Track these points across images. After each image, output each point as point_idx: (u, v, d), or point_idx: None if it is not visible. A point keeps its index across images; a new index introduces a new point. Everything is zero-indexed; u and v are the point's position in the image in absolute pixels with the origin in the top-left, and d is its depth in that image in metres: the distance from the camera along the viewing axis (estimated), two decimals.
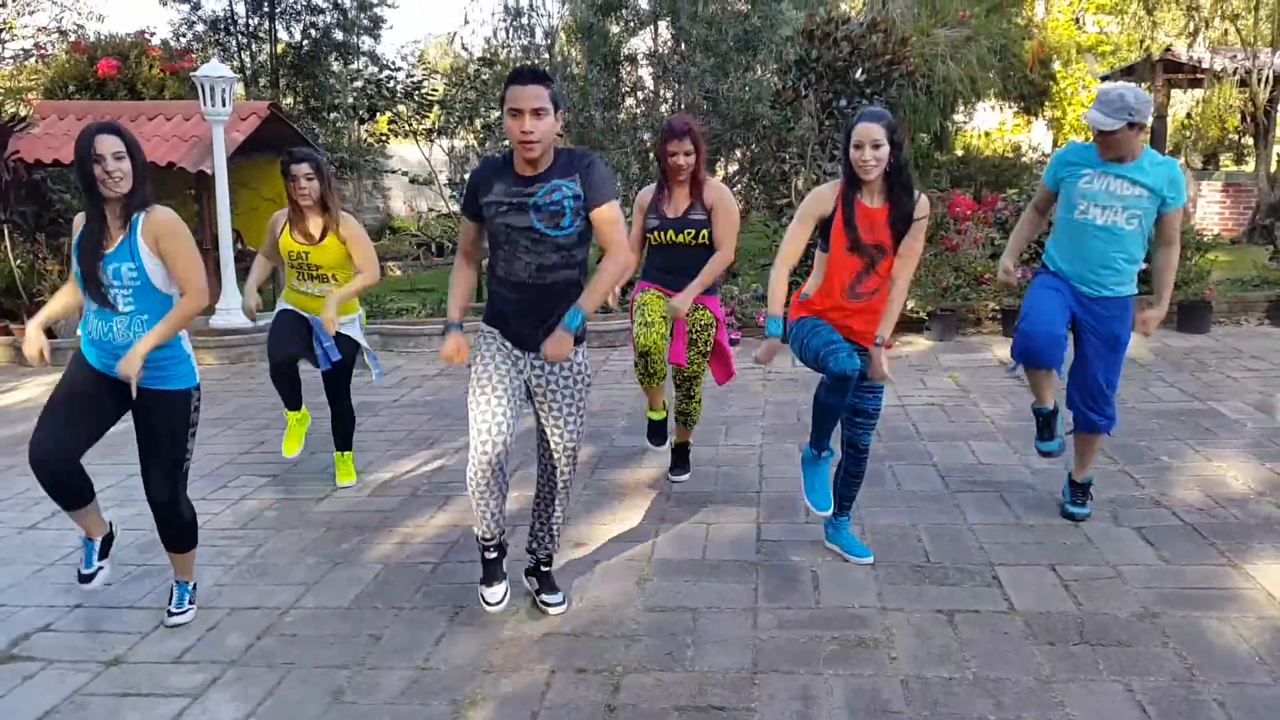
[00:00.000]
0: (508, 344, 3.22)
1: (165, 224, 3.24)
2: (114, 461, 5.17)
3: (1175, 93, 17.02)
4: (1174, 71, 14.67)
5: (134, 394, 3.26)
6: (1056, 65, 16.85)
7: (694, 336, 4.37)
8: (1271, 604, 3.32)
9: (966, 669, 3.00)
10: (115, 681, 3.16)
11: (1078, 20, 20.82)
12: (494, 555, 3.40)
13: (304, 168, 4.45)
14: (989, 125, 20.99)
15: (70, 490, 3.41)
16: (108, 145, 3.16)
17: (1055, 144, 23.00)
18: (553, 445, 3.32)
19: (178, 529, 3.50)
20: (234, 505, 4.77)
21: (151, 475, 3.39)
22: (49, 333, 3.71)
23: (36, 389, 7.65)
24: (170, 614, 3.54)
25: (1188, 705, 2.76)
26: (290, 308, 4.70)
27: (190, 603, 3.59)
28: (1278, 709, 2.73)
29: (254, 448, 5.78)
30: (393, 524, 4.42)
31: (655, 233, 4.35)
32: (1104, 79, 17.62)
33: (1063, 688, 2.87)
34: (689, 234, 4.28)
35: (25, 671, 3.24)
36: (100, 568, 3.65)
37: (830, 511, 3.77)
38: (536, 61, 11.81)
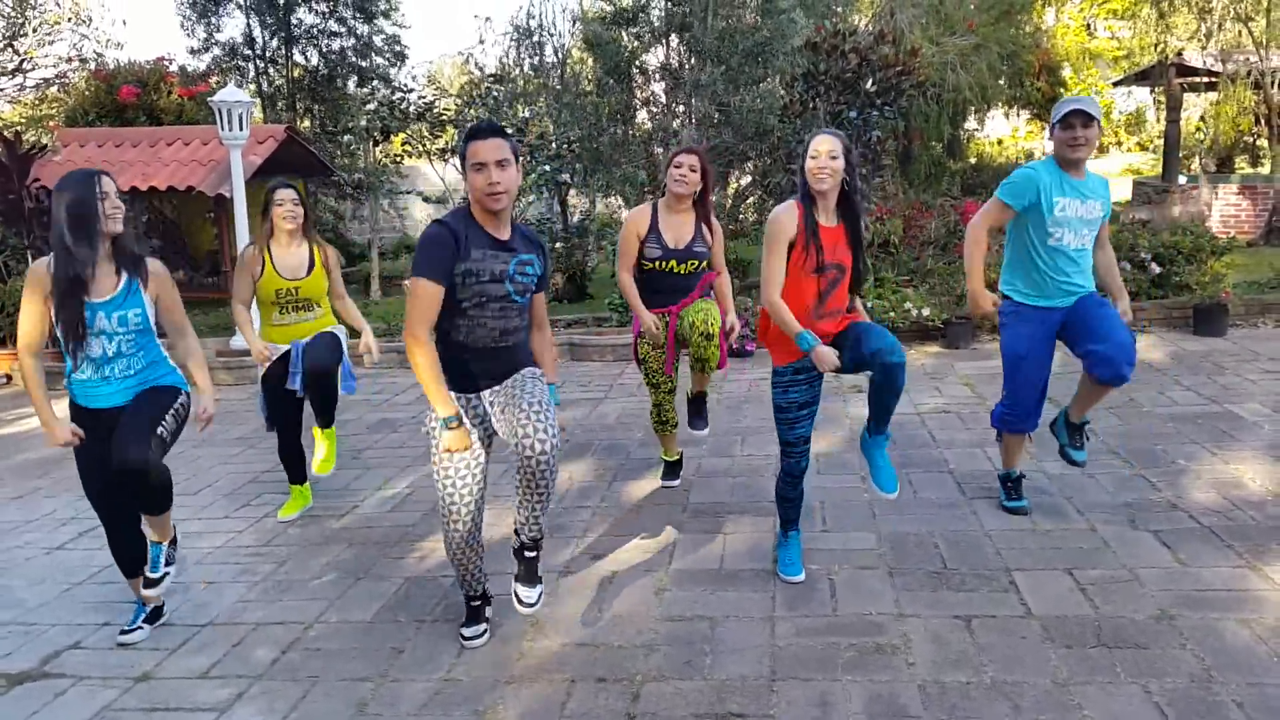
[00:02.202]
0: (465, 400, 3.22)
1: (166, 277, 3.51)
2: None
3: (1189, 96, 16.98)
4: (1187, 75, 14.65)
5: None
6: (1067, 72, 16.85)
7: (704, 304, 4.32)
8: None
9: (984, 673, 3.01)
10: (144, 697, 3.22)
11: (1089, 26, 20.83)
12: (477, 604, 3.47)
13: (290, 194, 4.61)
14: (1002, 133, 21.03)
15: (134, 527, 3.64)
16: (110, 186, 3.33)
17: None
18: (522, 447, 2.98)
19: (148, 493, 3.41)
20: (256, 523, 4.84)
21: (127, 431, 3.30)
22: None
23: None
24: (146, 578, 3.60)
25: (1206, 706, 2.77)
26: (276, 346, 4.67)
27: (167, 564, 3.62)
28: None
29: (274, 466, 5.83)
30: (413, 539, 4.48)
31: (658, 261, 4.33)
32: (1116, 84, 17.61)
33: (1080, 690, 2.88)
34: (692, 264, 4.35)
35: (56, 688, 3.31)
36: (140, 628, 3.68)
37: (801, 577, 3.77)
38: (548, 78, 11.92)
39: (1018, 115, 18.21)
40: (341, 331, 4.86)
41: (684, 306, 4.38)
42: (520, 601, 3.29)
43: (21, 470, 6.03)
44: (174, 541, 3.71)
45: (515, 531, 3.31)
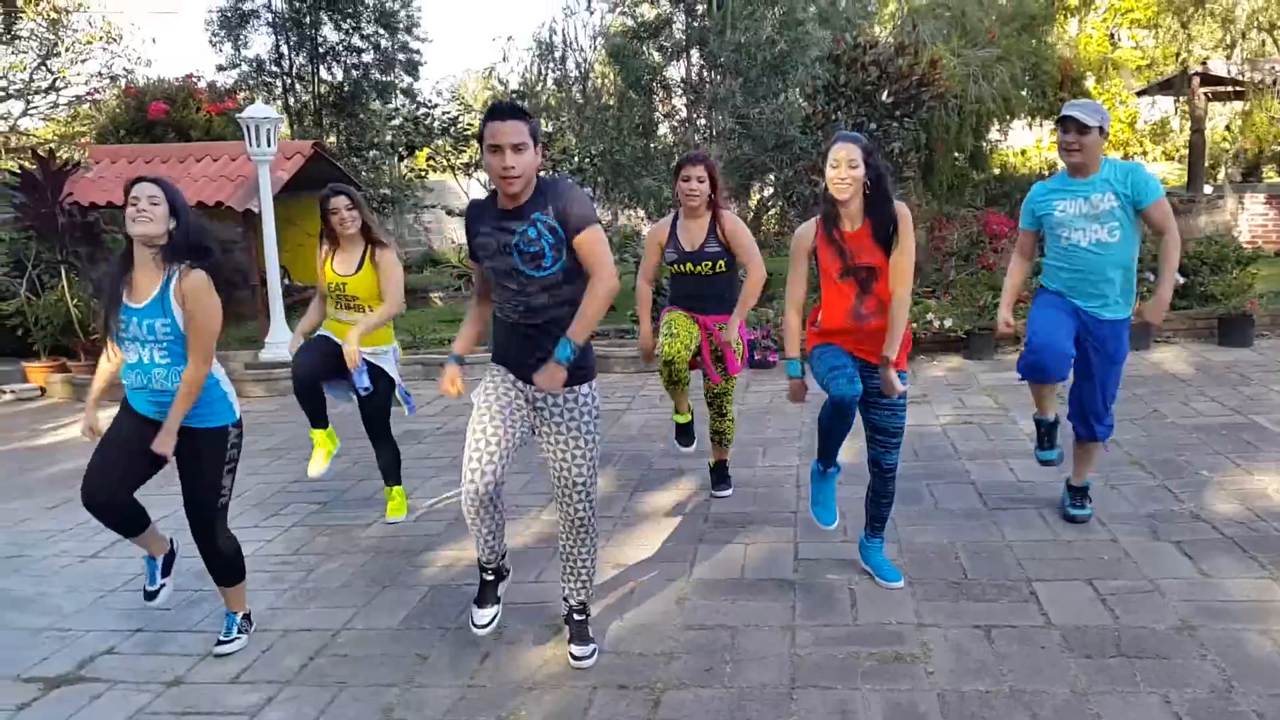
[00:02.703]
0: (511, 378, 3.23)
1: (197, 288, 3.31)
2: (169, 491, 5.34)
3: (1214, 106, 16.88)
4: (1212, 84, 14.56)
5: (167, 460, 3.40)
6: (1090, 82, 16.79)
7: (721, 353, 4.48)
8: None
9: (1003, 682, 3.03)
10: (176, 701, 3.29)
11: (1112, 36, 20.75)
12: (489, 579, 3.44)
13: (342, 200, 4.65)
14: (1025, 143, 20.94)
15: (126, 523, 3.60)
16: (144, 190, 3.32)
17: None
18: (558, 479, 3.20)
19: (218, 562, 3.59)
20: (286, 532, 4.92)
21: (190, 511, 3.52)
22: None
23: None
24: (219, 642, 3.64)
25: (1226, 717, 2.77)
26: (328, 334, 4.82)
27: (240, 632, 3.68)
28: None
29: (303, 477, 5.90)
30: (438, 548, 4.54)
31: (675, 265, 4.51)
32: (1139, 94, 17.53)
33: (1099, 700, 2.90)
34: (706, 265, 4.43)
35: (92, 692, 3.39)
36: (163, 585, 3.78)
37: (833, 525, 3.87)
38: (570, 92, 12.04)
39: (1041, 126, 18.12)
40: (395, 351, 4.92)
41: (716, 320, 4.47)
42: (574, 658, 3.33)
43: (56, 481, 6.15)
44: (248, 616, 3.74)
45: (564, 599, 3.41)
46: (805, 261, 3.58)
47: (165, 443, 3.31)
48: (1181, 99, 16.58)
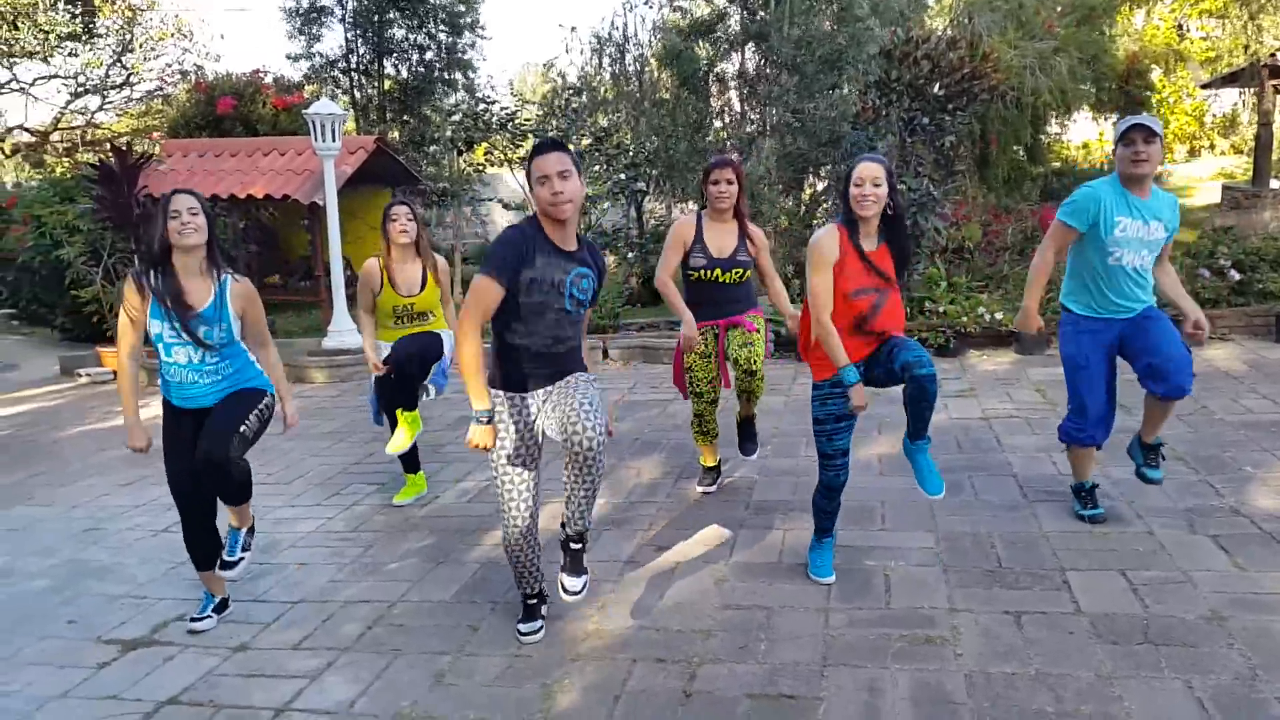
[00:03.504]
0: (522, 400, 3.37)
1: (250, 293, 3.71)
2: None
3: None
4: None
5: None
6: (1156, 75, 16.48)
7: (752, 338, 4.51)
8: None
9: (1029, 665, 3.12)
10: (242, 665, 3.52)
11: (1180, 26, 20.31)
12: (534, 603, 3.63)
13: (404, 209, 4.93)
14: (1087, 136, 20.62)
15: (207, 519, 3.85)
16: (183, 203, 3.52)
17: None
18: (568, 416, 3.18)
19: (229, 485, 3.69)
20: (346, 510, 5.16)
21: (213, 428, 3.57)
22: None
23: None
24: (223, 560, 3.85)
25: (1249, 703, 2.84)
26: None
27: (244, 550, 3.90)
28: None
29: (364, 459, 6.19)
30: (489, 527, 4.73)
31: (703, 270, 4.52)
32: (1205, 87, 17.16)
33: (1123, 684, 2.98)
34: (736, 273, 4.53)
35: (165, 654, 3.63)
36: (242, 558, 3.95)
37: (831, 578, 3.88)
38: (627, 85, 12.18)
39: (1104, 119, 17.84)
40: (449, 335, 5.12)
41: (731, 323, 4.58)
42: (565, 589, 3.48)
43: (130, 459, 6.46)
44: (251, 530, 3.97)
45: (562, 525, 3.50)
46: (829, 271, 3.55)
47: (292, 411, 3.87)
48: (1249, 91, 16.21)
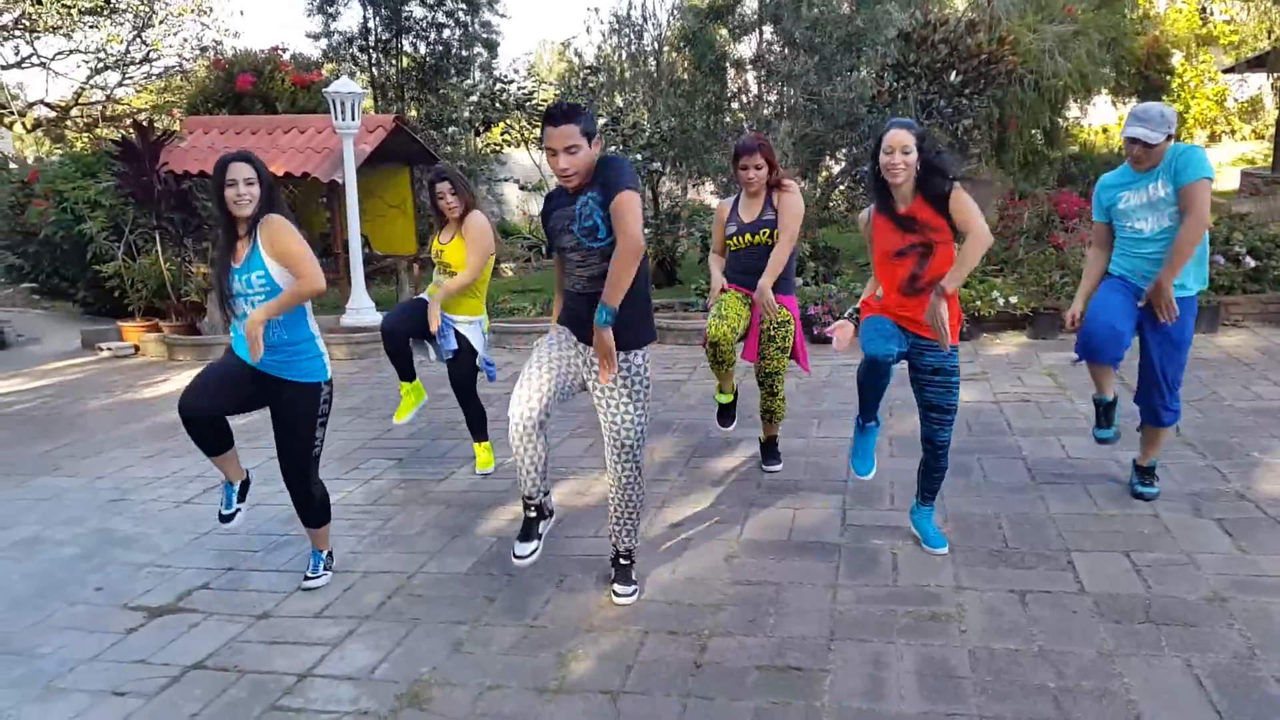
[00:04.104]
0: (573, 338, 3.55)
1: (275, 227, 3.61)
2: (258, 445, 5.73)
3: None
4: None
5: (254, 360, 3.59)
6: (1177, 59, 16.35)
7: (773, 334, 4.64)
8: None
9: (1033, 642, 3.20)
10: (265, 632, 3.62)
11: (1203, 9, 20.13)
12: (532, 515, 3.63)
13: (445, 185, 4.98)
14: (1108, 120, 20.47)
15: (212, 437, 3.86)
16: (240, 171, 3.61)
17: (1177, 138, 22.30)
18: (607, 437, 3.51)
19: (310, 507, 3.93)
20: (365, 484, 5.27)
21: (284, 460, 3.84)
22: (196, 330, 4.14)
23: (186, 380, 8.37)
24: (306, 578, 4.01)
25: (1246, 680, 2.91)
26: (424, 295, 5.21)
27: (325, 569, 4.04)
28: None
29: (382, 434, 6.30)
30: (504, 503, 4.83)
31: (734, 238, 4.64)
32: (1227, 71, 17.02)
33: (1123, 661, 3.05)
34: (764, 233, 4.59)
35: (191, 621, 3.75)
36: (238, 509, 4.08)
37: (870, 475, 4.08)
38: (645, 65, 12.19)
39: (1124, 103, 17.72)
40: (481, 322, 5.21)
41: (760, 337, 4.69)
42: (616, 594, 3.68)
43: (152, 432, 6.61)
44: (331, 554, 4.10)
45: (612, 544, 3.74)
46: (873, 243, 3.82)
47: (255, 327, 3.51)
48: (1273, 76, 16.09)
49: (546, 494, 3.68)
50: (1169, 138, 3.93)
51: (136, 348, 9.96)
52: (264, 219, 3.63)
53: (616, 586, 3.70)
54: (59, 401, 7.92)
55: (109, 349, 9.94)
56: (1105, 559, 3.78)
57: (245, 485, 4.16)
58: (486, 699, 3.07)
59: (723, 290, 4.72)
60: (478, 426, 5.33)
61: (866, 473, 4.08)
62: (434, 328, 4.95)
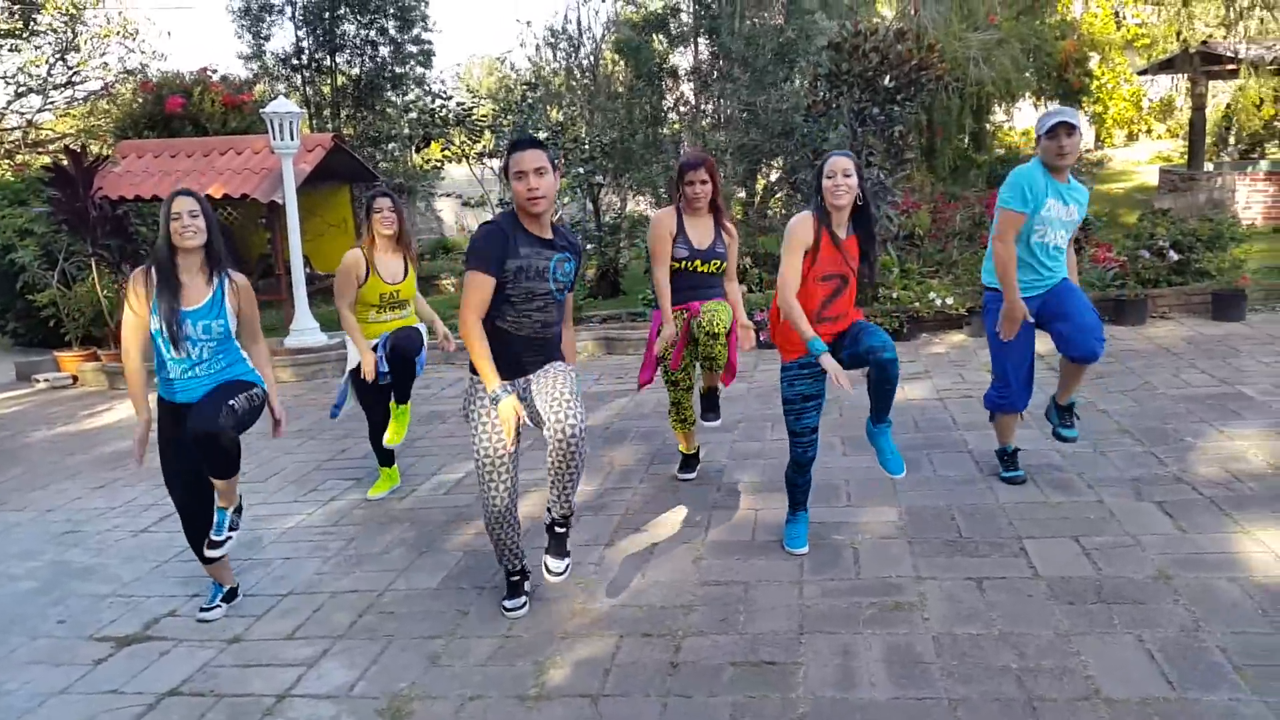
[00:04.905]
0: (511, 384, 3.49)
1: (249, 292, 3.85)
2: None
3: (1216, 84, 17.02)
4: (1213, 64, 14.73)
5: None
6: (1094, 62, 16.93)
7: (716, 330, 4.56)
8: (1279, 565, 3.60)
9: (993, 626, 3.33)
10: (238, 655, 3.61)
11: (1117, 14, 20.85)
12: (516, 579, 3.81)
13: (387, 201, 5.01)
14: (1030, 124, 21.07)
15: (208, 515, 3.92)
16: (184, 205, 3.65)
17: (1098, 138, 23.03)
18: (552, 404, 3.35)
19: (217, 455, 3.68)
20: (324, 505, 5.25)
21: (203, 404, 3.66)
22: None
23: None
24: (210, 540, 3.88)
25: (1193, 652, 3.07)
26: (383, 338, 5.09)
27: (231, 529, 3.93)
28: (1275, 652, 3.03)
29: (336, 455, 6.27)
30: (468, 518, 4.85)
31: (684, 262, 4.65)
32: (1141, 73, 17.66)
33: (1079, 640, 3.20)
34: (715, 264, 4.68)
35: (160, 649, 3.72)
36: (229, 537, 3.97)
37: (805, 549, 4.09)
38: (579, 80, 12.29)
39: (1045, 106, 18.27)
40: (423, 328, 5.29)
41: (702, 305, 4.71)
42: (549, 570, 3.66)
43: (99, 463, 6.48)
44: (238, 510, 4.01)
45: (548, 509, 3.65)
46: (801, 254, 3.76)
47: (278, 406, 3.94)
48: (1184, 77, 16.74)
49: (523, 557, 3.82)
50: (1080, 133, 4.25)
51: (75, 378, 9.74)
52: (233, 275, 3.80)
53: (550, 560, 3.64)
54: None
55: (46, 380, 9.71)
56: (1055, 544, 3.94)
57: (238, 510, 4.06)
58: (469, 709, 3.11)
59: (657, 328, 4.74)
60: (403, 387, 5.15)
61: (802, 548, 4.09)
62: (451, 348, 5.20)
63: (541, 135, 11.26)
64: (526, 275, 3.43)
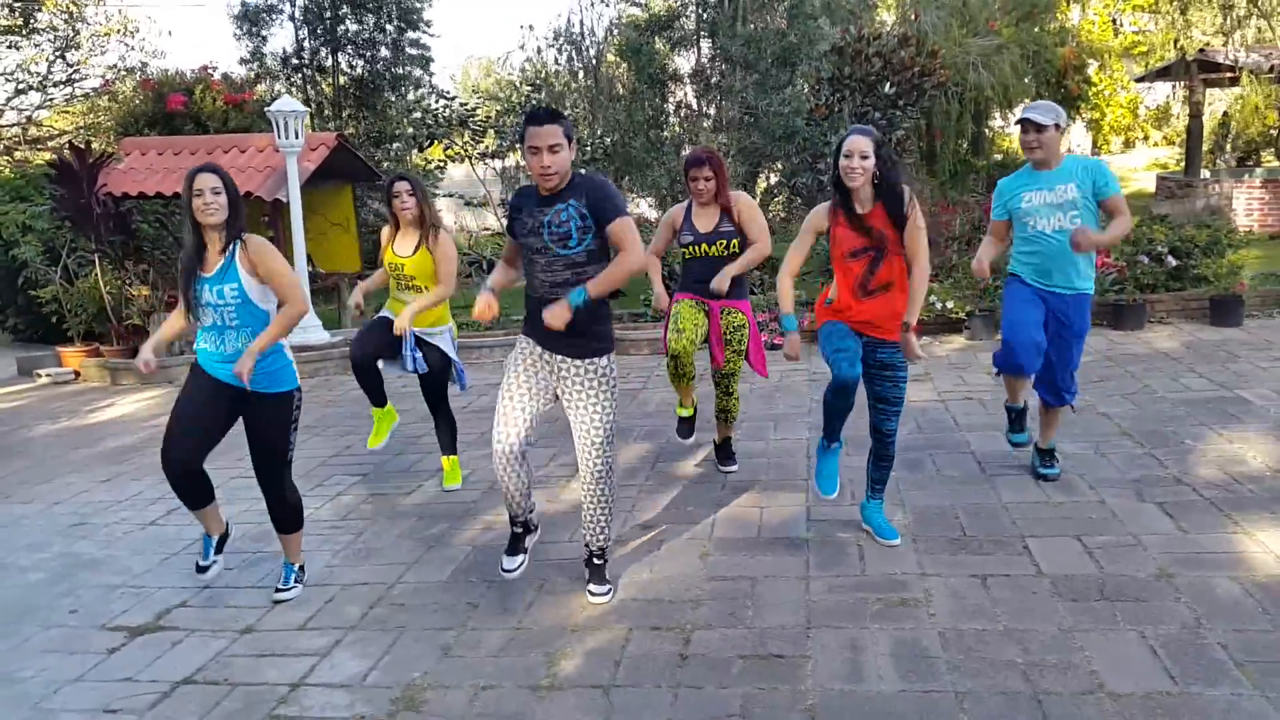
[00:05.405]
0: (538, 349, 3.64)
1: (260, 249, 3.77)
2: (220, 465, 5.69)
3: (1213, 92, 17.14)
4: (1210, 71, 14.83)
5: (248, 388, 3.74)
6: (1092, 69, 17.03)
7: (728, 337, 4.81)
8: (1279, 564, 3.66)
9: (997, 622, 3.38)
10: (251, 646, 3.65)
11: (1115, 21, 20.97)
12: (518, 531, 3.87)
13: (404, 184, 5.03)
14: None
15: (195, 493, 4.00)
16: (206, 182, 3.69)
17: (1095, 144, 23.15)
18: (576, 440, 3.66)
19: (284, 512, 4.02)
20: (332, 500, 5.29)
21: (259, 467, 3.94)
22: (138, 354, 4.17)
23: (133, 405, 8.26)
24: (277, 590, 4.04)
25: (1195, 648, 3.12)
26: (386, 314, 5.19)
27: (296, 582, 4.08)
28: (1276, 649, 3.08)
29: (342, 451, 6.31)
30: (476, 513, 4.90)
31: (690, 247, 4.77)
32: (1138, 80, 17.77)
33: (1083, 636, 3.25)
34: (720, 245, 4.74)
35: (173, 638, 3.75)
36: (215, 561, 4.21)
37: (833, 495, 4.20)
38: (582, 82, 12.35)
39: None
40: (450, 330, 5.28)
41: (724, 305, 4.79)
42: (591, 594, 3.79)
43: (105, 457, 6.51)
44: (303, 568, 4.15)
45: (585, 544, 3.83)
46: (811, 239, 4.01)
47: (245, 364, 3.64)
48: (1181, 85, 16.85)
49: (531, 511, 3.83)
50: (1057, 127, 4.32)
51: (77, 373, 9.76)
52: (245, 238, 3.77)
53: (592, 586, 3.80)
54: (2, 429, 7.75)
55: (48, 375, 9.73)
56: (1058, 543, 4.00)
57: (224, 538, 4.24)
58: (482, 699, 3.15)
59: (674, 300, 4.85)
60: (448, 440, 5.36)
61: (831, 493, 4.19)
62: (399, 331, 4.95)
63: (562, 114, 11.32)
64: (524, 232, 3.57)
